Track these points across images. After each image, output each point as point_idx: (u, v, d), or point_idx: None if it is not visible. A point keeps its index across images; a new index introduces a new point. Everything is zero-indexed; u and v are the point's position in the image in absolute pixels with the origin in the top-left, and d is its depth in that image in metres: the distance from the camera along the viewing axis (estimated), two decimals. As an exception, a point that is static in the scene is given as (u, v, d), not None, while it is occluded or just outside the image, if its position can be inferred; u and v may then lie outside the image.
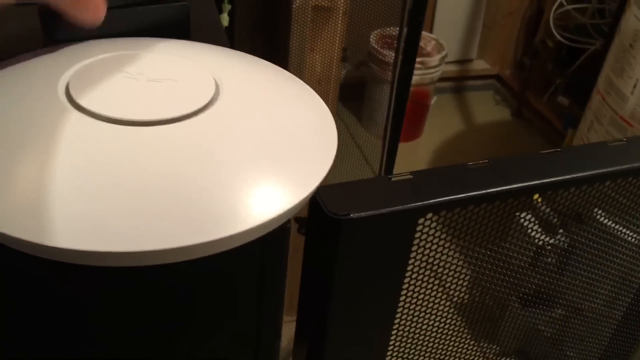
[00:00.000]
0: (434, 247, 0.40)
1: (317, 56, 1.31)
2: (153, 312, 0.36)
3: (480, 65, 2.34)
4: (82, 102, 0.35)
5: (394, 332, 0.44)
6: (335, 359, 0.42)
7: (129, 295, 0.35)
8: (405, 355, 0.48)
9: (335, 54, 1.35)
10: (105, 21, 0.45)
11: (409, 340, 0.46)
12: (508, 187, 0.38)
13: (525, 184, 0.39)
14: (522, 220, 0.51)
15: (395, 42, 1.95)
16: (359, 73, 1.99)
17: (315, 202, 0.37)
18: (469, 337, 0.55)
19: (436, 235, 0.39)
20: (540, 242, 0.64)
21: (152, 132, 0.34)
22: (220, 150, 0.35)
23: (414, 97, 1.71)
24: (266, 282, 0.37)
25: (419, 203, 0.37)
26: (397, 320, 0.43)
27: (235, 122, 0.37)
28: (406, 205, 0.37)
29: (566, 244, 0.62)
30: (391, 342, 0.45)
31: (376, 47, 1.89)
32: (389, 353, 0.46)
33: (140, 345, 0.37)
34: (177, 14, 0.49)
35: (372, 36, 1.91)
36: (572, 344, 0.65)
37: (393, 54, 1.85)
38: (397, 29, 1.93)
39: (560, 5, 1.95)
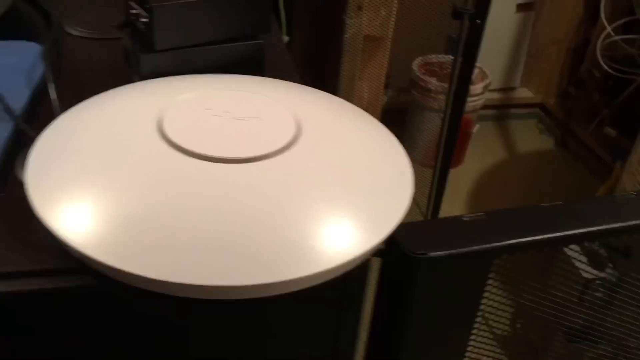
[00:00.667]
0: (506, 287, 0.41)
1: (365, 84, 1.33)
2: (237, 342, 0.37)
3: (523, 93, 2.32)
4: (176, 140, 0.37)
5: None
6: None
7: (215, 326, 0.36)
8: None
9: (382, 83, 1.37)
10: (186, 59, 0.48)
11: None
12: (585, 230, 0.38)
13: (603, 227, 0.39)
14: (570, 254, 0.51)
15: (438, 69, 1.95)
16: (400, 99, 2.00)
17: (392, 240, 0.38)
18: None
19: (510, 275, 0.40)
20: (588, 277, 0.63)
21: (242, 169, 0.36)
22: (306, 189, 0.36)
23: (441, 129, 1.70)
24: (344, 318, 0.38)
25: (496, 244, 0.38)
26: (468, 350, 0.43)
27: (317, 162, 0.38)
28: (482, 246, 0.38)
29: (614, 279, 0.61)
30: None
31: (418, 74, 1.90)
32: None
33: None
34: (252, 51, 0.51)
35: (414, 63, 1.92)
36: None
37: (436, 82, 1.86)
38: (441, 56, 1.93)
39: (608, 35, 1.93)
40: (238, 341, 0.37)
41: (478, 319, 0.42)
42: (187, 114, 0.40)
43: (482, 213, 0.40)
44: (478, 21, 0.81)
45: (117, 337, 0.36)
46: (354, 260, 0.34)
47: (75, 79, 0.51)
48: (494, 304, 0.42)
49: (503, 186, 2.03)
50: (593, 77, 2.10)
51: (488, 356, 0.46)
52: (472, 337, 0.42)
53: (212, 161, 0.36)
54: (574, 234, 0.39)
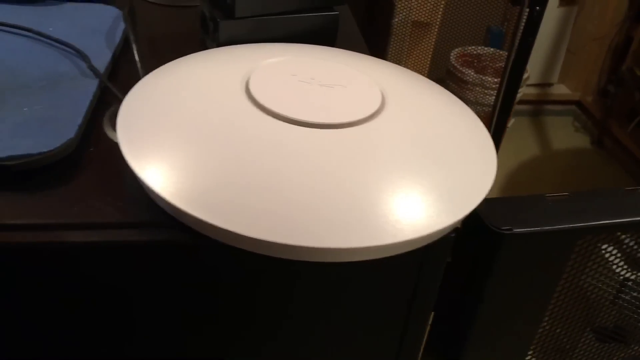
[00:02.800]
0: (587, 270, 0.40)
1: (411, 69, 1.32)
2: (312, 306, 0.37)
3: (561, 90, 2.28)
4: (264, 102, 0.37)
5: (531, 348, 0.44)
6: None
7: (295, 286, 0.36)
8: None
9: (426, 69, 1.36)
10: (263, 27, 0.48)
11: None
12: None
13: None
14: (606, 254, 0.50)
15: (475, 61, 1.93)
16: (436, 90, 1.99)
17: (476, 215, 0.38)
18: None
19: (591, 257, 0.39)
20: (627, 275, 0.62)
21: (328, 135, 0.36)
22: (392, 158, 0.36)
23: (491, 119, 1.69)
24: (419, 291, 0.38)
25: (581, 224, 0.37)
26: (537, 337, 0.43)
27: (402, 132, 0.38)
28: (567, 225, 0.37)
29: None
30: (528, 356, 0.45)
31: (456, 65, 1.88)
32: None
33: (293, 331, 0.39)
34: (327, 22, 0.51)
35: (452, 54, 1.90)
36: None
37: (472, 73, 1.84)
38: (479, 48, 1.90)
39: (653, 34, 1.89)
40: (313, 306, 0.38)
41: (553, 302, 0.41)
42: (274, 79, 0.40)
43: (565, 193, 0.40)
44: (537, 8, 0.79)
45: (196, 291, 0.36)
46: (436, 233, 0.34)
47: (151, 44, 0.52)
48: (576, 287, 0.42)
49: (536, 183, 2.01)
50: (634, 76, 2.06)
51: (561, 338, 0.46)
52: (546, 319, 0.42)
53: (298, 125, 0.36)
54: (660, 219, 0.38)
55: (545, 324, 0.51)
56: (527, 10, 0.82)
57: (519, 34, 0.82)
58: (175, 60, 0.43)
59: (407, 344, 0.41)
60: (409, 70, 0.47)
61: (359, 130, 0.37)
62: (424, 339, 0.41)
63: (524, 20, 0.81)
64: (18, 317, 0.35)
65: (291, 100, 0.38)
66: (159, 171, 0.34)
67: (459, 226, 0.39)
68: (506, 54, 0.87)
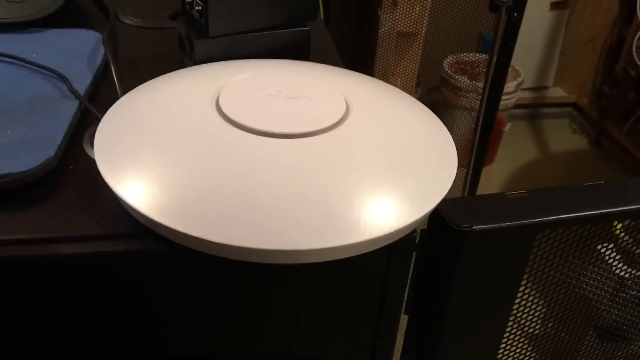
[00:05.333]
0: (548, 263, 0.42)
1: (398, 80, 1.34)
2: (286, 308, 0.39)
3: (556, 92, 2.30)
4: (233, 116, 0.39)
5: (502, 344, 0.45)
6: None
7: (267, 290, 0.38)
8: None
9: (414, 79, 1.38)
10: (237, 45, 0.50)
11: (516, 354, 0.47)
12: (628, 207, 0.39)
13: (645, 205, 0.40)
14: (603, 250, 0.51)
15: (469, 67, 1.95)
16: (430, 98, 2.01)
17: (437, 214, 0.39)
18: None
19: (551, 252, 0.41)
20: (623, 274, 0.63)
21: (295, 144, 0.38)
22: (355, 163, 0.38)
23: (476, 124, 1.70)
24: (388, 289, 0.40)
25: (539, 219, 0.39)
26: (506, 333, 0.45)
27: (366, 138, 0.40)
28: (526, 221, 0.39)
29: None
30: (499, 353, 0.46)
31: (449, 72, 1.90)
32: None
33: (266, 335, 0.41)
34: (299, 38, 0.53)
35: (445, 62, 1.93)
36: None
37: (466, 80, 1.86)
38: (471, 55, 1.93)
39: (644, 33, 1.90)
40: (287, 308, 0.39)
41: (518, 299, 0.43)
42: (243, 93, 0.42)
43: (525, 190, 0.41)
44: (515, 14, 0.81)
45: (174, 298, 0.38)
46: (399, 231, 0.36)
47: (131, 65, 0.54)
48: (540, 282, 0.43)
49: (534, 186, 2.01)
50: (628, 76, 2.07)
51: (526, 336, 0.47)
52: (512, 317, 0.43)
53: (266, 136, 0.38)
54: (618, 211, 0.40)
55: (549, 326, 0.52)
56: (506, 16, 0.84)
57: (498, 40, 0.84)
58: (151, 80, 0.45)
59: (380, 345, 0.43)
60: (375, 79, 0.49)
61: (323, 138, 0.39)
62: (395, 339, 0.43)
63: (502, 27, 0.83)
64: (3, 329, 0.37)
65: (259, 113, 0.40)
66: (133, 184, 0.36)
67: (424, 227, 0.41)
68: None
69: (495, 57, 0.88)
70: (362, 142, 0.40)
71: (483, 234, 0.38)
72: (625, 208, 0.40)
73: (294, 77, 0.45)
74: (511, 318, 0.44)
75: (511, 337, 0.45)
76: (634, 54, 1.93)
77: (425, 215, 0.37)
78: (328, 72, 0.47)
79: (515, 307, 0.44)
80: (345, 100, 0.43)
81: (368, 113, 0.42)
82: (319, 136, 0.39)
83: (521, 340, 0.47)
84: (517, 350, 0.47)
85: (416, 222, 0.37)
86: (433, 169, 0.40)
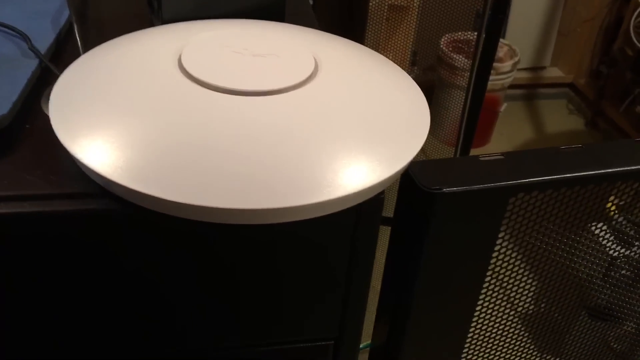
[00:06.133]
0: (523, 228, 0.40)
1: (390, 55, 1.32)
2: (251, 269, 0.38)
3: (553, 72, 2.27)
4: (195, 73, 0.38)
5: (476, 310, 0.44)
6: (417, 335, 0.43)
7: (232, 252, 0.37)
8: (485, 339, 0.48)
9: (407, 55, 1.36)
10: (207, 4, 0.48)
11: (490, 324, 0.46)
12: (603, 170, 0.38)
13: (623, 168, 0.38)
14: (595, 230, 0.50)
15: (465, 46, 1.92)
16: (427, 77, 1.98)
17: (408, 177, 0.38)
18: (533, 348, 0.55)
19: (525, 216, 0.40)
20: (614, 254, 0.62)
21: (260, 102, 0.36)
22: (323, 122, 0.37)
23: (483, 103, 1.68)
24: (358, 249, 0.39)
25: (512, 182, 0.37)
26: (480, 299, 0.43)
27: (335, 97, 0.39)
28: (498, 183, 0.37)
29: (641, 257, 0.59)
30: (472, 324, 0.45)
31: (446, 51, 1.88)
32: (468, 336, 0.46)
33: (231, 298, 0.40)
34: (273, 0, 0.51)
35: (442, 40, 1.90)
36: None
37: (463, 59, 1.83)
38: (468, 33, 1.90)
39: (642, 12, 1.87)
40: (251, 270, 0.38)
41: (492, 262, 0.41)
42: (207, 51, 0.40)
43: (499, 153, 0.40)
44: (505, -16, 0.79)
45: (129, 261, 0.37)
46: (368, 190, 0.34)
47: (98, 26, 0.52)
48: (514, 247, 0.42)
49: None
50: (626, 56, 2.04)
51: (500, 305, 0.46)
52: (487, 277, 0.42)
53: (230, 93, 0.37)
54: (594, 175, 0.39)
55: (542, 306, 0.51)
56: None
57: (487, 14, 0.82)
58: (113, 39, 0.44)
59: (351, 310, 0.41)
60: (349, 41, 0.47)
61: (290, 96, 0.37)
62: (366, 304, 0.42)
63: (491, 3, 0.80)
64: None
65: (223, 70, 0.39)
66: (89, 143, 0.34)
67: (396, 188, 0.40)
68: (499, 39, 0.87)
69: (484, 34, 0.86)
70: (331, 101, 0.38)
71: (453, 197, 0.37)
72: (602, 171, 0.38)
73: (262, 35, 0.43)
74: (488, 285, 0.43)
75: (489, 301, 0.44)
76: (632, 34, 1.90)
77: (393, 175, 0.36)
78: (298, 32, 0.46)
79: (492, 273, 0.43)
80: (315, 59, 0.41)
81: (338, 72, 0.41)
82: (286, 94, 0.38)
83: (500, 309, 0.46)
84: (496, 320, 0.46)
85: (384, 181, 0.35)
86: (404, 130, 0.38)
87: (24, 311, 0.38)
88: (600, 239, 0.53)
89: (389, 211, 0.40)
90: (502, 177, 0.38)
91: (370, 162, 0.35)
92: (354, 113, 0.38)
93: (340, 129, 0.37)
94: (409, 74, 0.46)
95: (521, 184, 0.38)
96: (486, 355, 0.50)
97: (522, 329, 0.52)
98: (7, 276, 0.36)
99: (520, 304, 0.48)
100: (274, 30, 0.45)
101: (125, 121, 0.35)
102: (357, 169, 0.35)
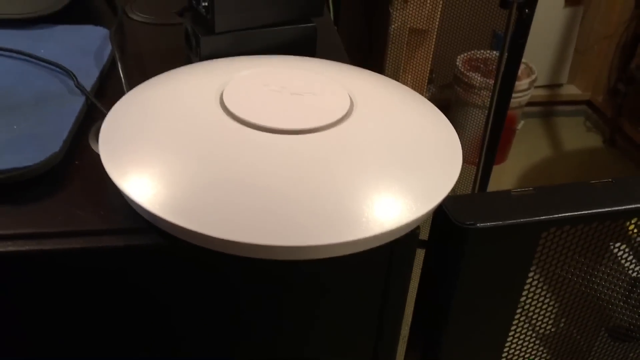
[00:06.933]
0: (553, 261, 0.41)
1: (409, 77, 1.33)
2: (285, 304, 0.39)
3: (571, 90, 2.27)
4: (236, 112, 0.39)
5: (507, 343, 0.45)
6: (449, 365, 0.44)
7: (266, 287, 0.38)
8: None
9: (426, 76, 1.37)
10: (243, 41, 0.50)
11: (519, 354, 0.47)
12: (635, 205, 0.39)
13: (653, 203, 0.39)
14: (615, 250, 0.51)
15: (482, 65, 1.93)
16: (443, 95, 2.00)
17: (441, 211, 0.39)
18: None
19: (557, 250, 0.40)
20: (635, 275, 0.63)
21: (298, 140, 0.38)
22: (357, 159, 0.38)
23: (486, 122, 1.69)
24: (391, 285, 0.40)
25: (544, 217, 0.38)
26: (511, 332, 0.44)
27: (369, 134, 0.40)
28: (531, 218, 0.38)
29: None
30: (503, 355, 0.46)
31: (462, 70, 1.89)
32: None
33: (264, 331, 0.41)
34: (306, 34, 0.53)
35: (458, 59, 1.91)
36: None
37: (480, 77, 1.84)
38: (485, 52, 1.91)
39: (661, 30, 1.87)
40: (290, 305, 0.39)
41: (525, 297, 0.42)
42: (247, 89, 0.42)
43: (530, 188, 0.41)
44: (527, 11, 0.80)
45: (177, 294, 0.38)
46: (402, 228, 0.36)
47: (138, 61, 0.54)
48: (538, 283, 0.43)
49: (547, 184, 1.99)
50: (644, 74, 2.04)
51: (537, 335, 0.47)
52: (520, 315, 0.43)
53: (269, 132, 0.38)
54: (625, 210, 0.39)
55: (561, 326, 0.52)
56: (517, 13, 0.83)
57: (509, 37, 0.84)
58: (156, 76, 0.46)
59: (384, 343, 0.42)
60: (381, 76, 0.48)
61: (326, 134, 0.39)
62: (399, 337, 0.43)
63: (513, 24, 0.82)
64: (6, 324, 0.38)
65: (262, 109, 0.40)
66: (137, 179, 0.36)
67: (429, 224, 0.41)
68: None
69: (506, 54, 0.87)
70: (366, 138, 0.40)
71: (487, 232, 0.38)
72: (633, 206, 0.39)
73: (298, 73, 0.45)
74: (519, 317, 0.44)
75: (518, 335, 0.45)
76: (650, 51, 1.90)
77: (428, 212, 0.37)
78: (332, 68, 0.47)
79: (522, 305, 0.44)
80: (350, 96, 0.42)
81: (372, 109, 0.42)
82: (323, 132, 0.39)
83: (530, 339, 0.47)
84: (525, 350, 0.47)
85: (419, 218, 0.37)
86: (437, 165, 0.40)
87: (73, 344, 0.39)
88: (620, 259, 0.54)
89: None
90: (534, 212, 0.39)
91: (405, 199, 0.37)
92: (388, 150, 0.39)
93: (376, 166, 0.38)
94: (425, 93, 0.47)
95: (553, 219, 0.39)
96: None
97: (541, 348, 0.53)
98: (58, 311, 0.37)
99: (546, 333, 0.49)
100: (308, 67, 0.47)
101: (172, 159, 0.37)
102: (392, 207, 0.36)
